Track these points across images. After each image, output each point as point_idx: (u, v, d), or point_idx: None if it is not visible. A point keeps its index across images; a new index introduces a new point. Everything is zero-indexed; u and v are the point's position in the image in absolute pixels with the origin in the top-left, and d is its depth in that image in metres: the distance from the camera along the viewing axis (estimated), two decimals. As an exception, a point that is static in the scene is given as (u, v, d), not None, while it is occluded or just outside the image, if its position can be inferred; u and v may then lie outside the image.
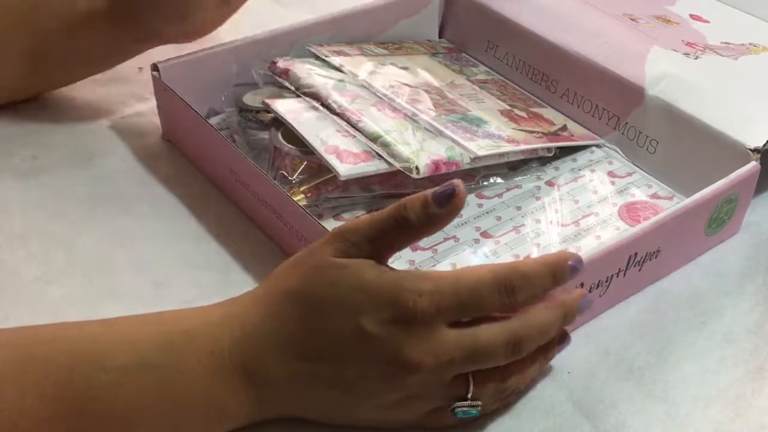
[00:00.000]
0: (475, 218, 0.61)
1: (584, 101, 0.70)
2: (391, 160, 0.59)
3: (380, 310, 0.43)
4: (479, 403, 0.46)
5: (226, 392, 0.44)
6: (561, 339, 0.49)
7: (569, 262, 0.46)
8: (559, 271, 0.46)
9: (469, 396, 0.45)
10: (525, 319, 0.46)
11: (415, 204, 0.44)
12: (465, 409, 0.46)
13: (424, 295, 0.43)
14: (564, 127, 0.69)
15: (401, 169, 0.58)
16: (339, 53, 0.71)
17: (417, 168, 0.58)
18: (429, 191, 0.44)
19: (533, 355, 0.48)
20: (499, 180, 0.64)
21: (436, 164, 0.59)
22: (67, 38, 0.66)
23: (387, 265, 0.45)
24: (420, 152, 0.59)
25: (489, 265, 0.46)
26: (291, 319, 0.44)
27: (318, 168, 0.60)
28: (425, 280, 0.44)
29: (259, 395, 0.44)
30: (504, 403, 0.49)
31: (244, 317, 0.45)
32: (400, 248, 0.46)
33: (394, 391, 0.45)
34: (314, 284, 0.44)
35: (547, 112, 0.71)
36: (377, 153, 0.59)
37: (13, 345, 0.43)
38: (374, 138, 0.60)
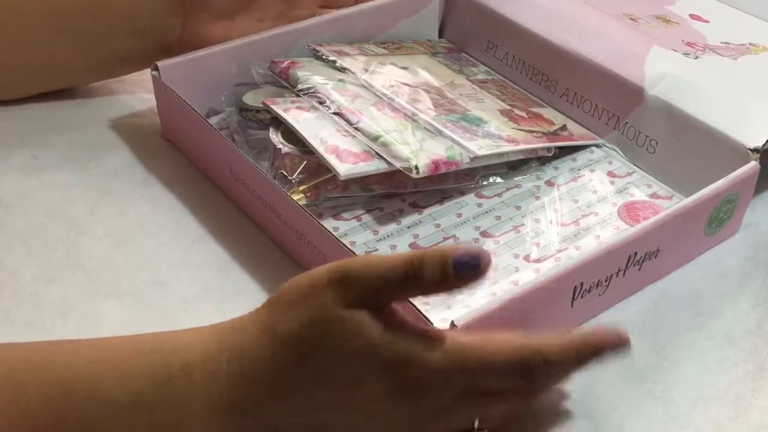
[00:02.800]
0: (474, 218, 0.61)
1: (584, 101, 0.70)
2: (390, 160, 0.59)
3: (388, 378, 0.41)
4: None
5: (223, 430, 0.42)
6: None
7: (609, 348, 0.44)
8: (588, 355, 0.44)
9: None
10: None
11: (434, 263, 0.41)
12: None
13: (435, 372, 0.41)
14: (564, 127, 0.69)
15: (401, 169, 0.58)
16: (339, 53, 0.71)
17: (417, 167, 0.58)
18: (451, 251, 0.41)
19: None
20: (498, 179, 0.64)
21: (436, 164, 0.59)
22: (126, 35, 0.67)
23: (391, 313, 0.43)
24: (419, 152, 0.59)
25: (515, 341, 0.43)
26: (294, 368, 0.42)
27: (318, 168, 0.60)
28: (435, 350, 0.42)
29: None
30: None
31: (242, 352, 0.42)
32: (403, 300, 0.45)
33: None
34: (317, 338, 0.41)
35: (547, 112, 0.71)
36: (377, 153, 0.59)
37: (2, 371, 0.41)
38: (374, 138, 0.60)
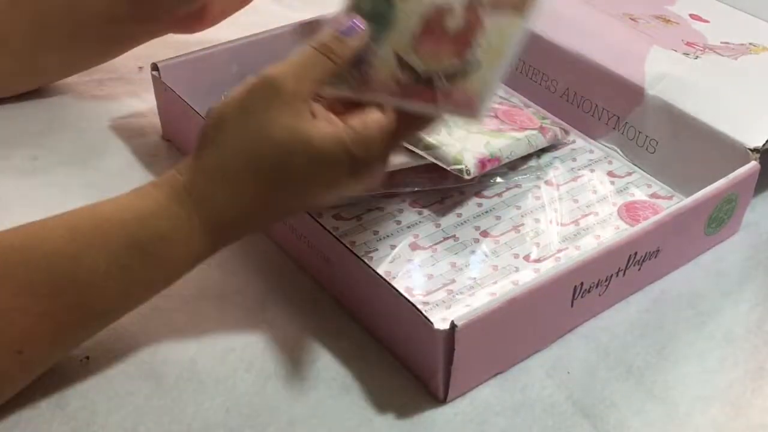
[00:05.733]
0: (474, 217, 0.61)
1: (584, 101, 0.70)
2: (438, 162, 0.59)
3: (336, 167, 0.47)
4: None
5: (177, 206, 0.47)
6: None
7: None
8: None
9: None
10: None
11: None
12: None
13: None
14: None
15: (453, 172, 0.59)
16: (339, 53, 0.71)
17: (467, 170, 0.59)
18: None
19: None
20: (498, 179, 0.64)
21: (482, 162, 0.60)
22: (72, 21, 0.66)
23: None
24: (464, 152, 0.59)
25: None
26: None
27: (318, 168, 0.60)
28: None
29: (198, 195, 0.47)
30: None
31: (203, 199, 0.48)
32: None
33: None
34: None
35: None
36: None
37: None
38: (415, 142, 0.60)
